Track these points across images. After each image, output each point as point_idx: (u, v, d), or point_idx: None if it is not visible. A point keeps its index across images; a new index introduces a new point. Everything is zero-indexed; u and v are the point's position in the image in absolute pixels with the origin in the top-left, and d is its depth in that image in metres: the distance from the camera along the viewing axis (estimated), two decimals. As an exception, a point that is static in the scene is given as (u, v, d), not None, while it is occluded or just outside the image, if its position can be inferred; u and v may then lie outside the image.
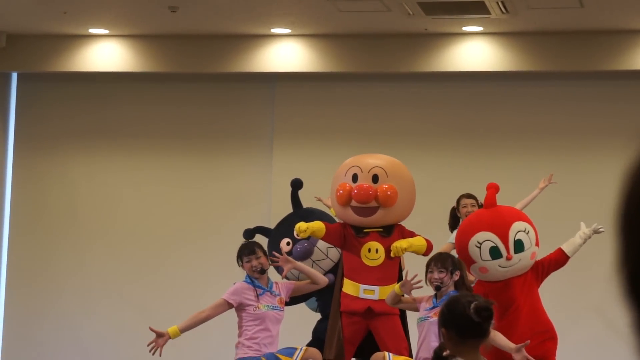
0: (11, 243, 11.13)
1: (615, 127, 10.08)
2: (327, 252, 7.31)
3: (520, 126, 10.26)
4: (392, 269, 6.80)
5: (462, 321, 3.90)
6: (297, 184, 7.61)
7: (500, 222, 6.50)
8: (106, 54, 10.52)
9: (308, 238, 7.10)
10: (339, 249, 7.18)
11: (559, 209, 9.69)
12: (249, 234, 7.52)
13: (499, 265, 6.43)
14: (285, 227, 7.40)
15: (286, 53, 10.25)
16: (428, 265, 6.23)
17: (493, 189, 6.70)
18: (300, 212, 7.53)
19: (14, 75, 11.19)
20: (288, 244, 7.33)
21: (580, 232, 6.70)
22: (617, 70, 9.78)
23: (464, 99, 10.39)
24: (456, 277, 6.16)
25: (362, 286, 6.73)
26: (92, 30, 10.33)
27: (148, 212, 10.93)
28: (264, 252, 6.74)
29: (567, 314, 9.84)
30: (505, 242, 6.42)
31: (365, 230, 6.77)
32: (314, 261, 7.27)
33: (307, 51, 10.22)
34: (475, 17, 9.33)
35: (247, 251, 6.66)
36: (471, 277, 6.90)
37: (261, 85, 10.76)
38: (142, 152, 11.00)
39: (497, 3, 8.79)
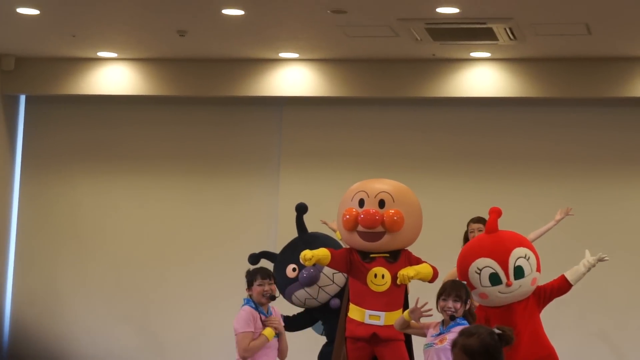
0: (17, 259, 11.16)
1: (623, 153, 10.07)
2: (334, 278, 7.30)
3: (526, 152, 10.26)
4: (398, 295, 6.78)
5: (499, 351, 3.95)
6: (301, 209, 7.60)
7: (500, 248, 6.48)
8: (114, 77, 10.56)
9: (314, 264, 7.09)
10: (344, 275, 7.16)
11: (566, 235, 9.66)
12: (254, 258, 7.50)
13: (499, 292, 6.42)
14: (291, 252, 7.39)
15: (294, 77, 10.28)
16: (441, 293, 6.16)
17: (495, 214, 6.69)
18: (305, 237, 7.52)
19: (22, 98, 11.23)
20: (294, 269, 7.32)
21: (585, 261, 6.68)
22: (624, 97, 9.78)
23: (471, 125, 10.40)
24: (468, 306, 6.12)
25: (368, 312, 6.71)
26: (101, 54, 10.37)
27: (153, 233, 10.94)
28: (276, 281, 6.68)
29: (576, 338, 9.81)
30: (505, 268, 6.41)
31: (371, 255, 6.75)
32: (320, 287, 7.26)
33: (314, 76, 10.25)
34: (483, 43, 9.35)
35: (262, 275, 6.57)
36: (474, 303, 6.88)
37: (269, 109, 10.78)
38: (149, 174, 11.02)
39: (505, 29, 8.80)
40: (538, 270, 6.54)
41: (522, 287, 6.43)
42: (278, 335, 6.57)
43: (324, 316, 7.42)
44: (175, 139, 10.96)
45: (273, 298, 6.54)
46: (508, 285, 6.39)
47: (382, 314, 6.68)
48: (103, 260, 11.00)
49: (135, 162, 11.02)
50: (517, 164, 10.29)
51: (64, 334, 10.97)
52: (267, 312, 6.56)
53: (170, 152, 10.96)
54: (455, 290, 6.11)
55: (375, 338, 6.70)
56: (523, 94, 9.92)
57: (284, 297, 7.44)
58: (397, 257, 6.78)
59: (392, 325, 6.65)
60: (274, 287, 6.55)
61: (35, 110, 11.22)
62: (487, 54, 9.77)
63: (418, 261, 6.84)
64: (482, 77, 9.96)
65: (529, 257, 6.50)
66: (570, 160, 10.18)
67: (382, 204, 6.73)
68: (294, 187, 10.45)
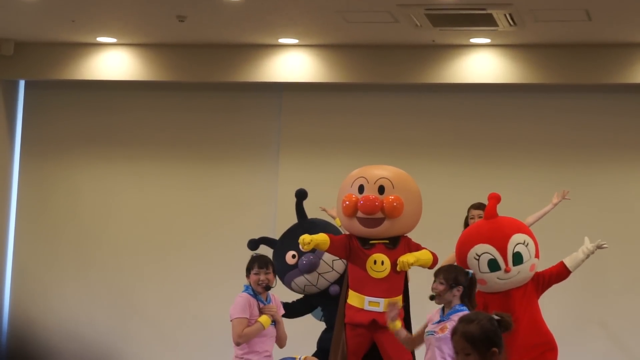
0: (16, 246, 11.17)
1: (622, 140, 10.08)
2: (333, 265, 7.31)
3: (526, 138, 10.26)
4: (398, 281, 6.79)
5: (499, 337, 3.95)
6: (301, 195, 7.60)
7: (499, 234, 6.49)
8: (114, 62, 10.54)
9: (313, 251, 7.09)
10: (343, 261, 7.17)
11: (564, 220, 9.67)
12: (254, 244, 7.50)
13: (498, 278, 6.43)
14: (290, 239, 7.39)
15: (293, 63, 10.27)
16: (435, 275, 6.21)
17: (494, 199, 6.69)
18: (305, 223, 7.52)
19: (22, 83, 11.22)
20: (294, 256, 7.33)
21: (584, 247, 6.69)
22: (624, 83, 9.77)
23: (470, 111, 10.39)
24: (457, 292, 6.11)
25: (367, 298, 6.72)
26: (100, 39, 10.36)
27: (153, 218, 10.95)
28: (274, 270, 6.68)
29: (572, 326, 9.83)
30: (503, 254, 6.42)
31: (371, 241, 6.76)
32: (319, 274, 7.27)
33: (314, 61, 10.23)
34: (482, 29, 9.34)
35: (259, 264, 6.58)
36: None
37: (268, 95, 10.77)
38: (148, 159, 11.02)
39: (505, 15, 8.79)
40: (537, 256, 6.55)
41: (521, 274, 6.45)
42: (275, 323, 6.58)
43: (323, 302, 7.43)
44: (174, 124, 10.96)
45: (268, 288, 6.54)
46: (507, 271, 6.40)
47: (381, 300, 6.68)
48: (102, 246, 11.01)
49: (135, 147, 11.01)
50: (516, 149, 10.29)
51: (64, 319, 10.98)
52: (266, 300, 6.56)
53: (170, 137, 10.95)
54: (443, 272, 6.15)
55: (374, 324, 6.71)
56: (523, 80, 9.91)
57: (283, 283, 7.45)
58: (397, 244, 6.79)
59: None
60: (271, 276, 6.54)
61: (34, 95, 11.21)
62: (486, 40, 9.76)
63: (418, 247, 6.84)
64: (482, 63, 9.95)
65: (527, 244, 6.51)
66: (570, 146, 10.18)
67: (381, 190, 6.74)
68: (293, 173, 10.45)
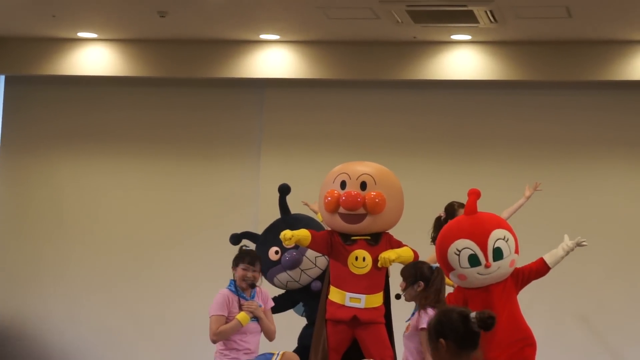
0: (-3, 245, 11.13)
1: (602, 136, 10.13)
2: (316, 261, 7.30)
3: (507, 134, 10.30)
4: (379, 278, 6.79)
5: (462, 331, 3.90)
6: (284, 190, 7.60)
7: (479, 230, 6.51)
8: (95, 57, 10.51)
9: (297, 247, 7.09)
10: (326, 257, 7.17)
11: (544, 217, 9.72)
12: (236, 239, 7.50)
13: (478, 273, 6.45)
14: (273, 234, 7.38)
15: (275, 59, 10.26)
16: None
17: (474, 195, 6.71)
18: (287, 219, 7.52)
19: (2, 78, 11.17)
20: (277, 252, 7.32)
21: (563, 244, 6.72)
22: (604, 80, 9.82)
23: (451, 107, 10.42)
24: (418, 288, 6.14)
25: (348, 294, 6.72)
26: (81, 34, 10.32)
27: (134, 215, 10.92)
28: (261, 268, 6.67)
29: (553, 321, 9.88)
30: (484, 250, 6.44)
31: (352, 237, 6.77)
32: (302, 270, 7.26)
33: (295, 57, 10.23)
34: (463, 26, 9.36)
35: (247, 259, 6.57)
36: (450, 283, 6.92)
37: (250, 91, 10.76)
38: (129, 156, 10.99)
39: (486, 12, 8.81)
40: (516, 252, 6.58)
41: (501, 269, 6.47)
42: (257, 319, 6.57)
43: (305, 298, 7.43)
44: (155, 121, 10.93)
45: (253, 286, 6.54)
46: (487, 266, 6.42)
47: (362, 296, 6.69)
48: (84, 245, 10.97)
49: (116, 144, 10.98)
50: (497, 146, 10.32)
51: (46, 320, 10.94)
52: (250, 296, 6.55)
53: (151, 134, 10.92)
54: (403, 270, 6.23)
55: (355, 321, 6.72)
56: (504, 76, 9.94)
57: (266, 279, 7.45)
58: (379, 240, 6.79)
59: (372, 307, 6.68)
60: (257, 275, 6.54)
61: (14, 90, 11.16)
62: (467, 37, 9.78)
63: (399, 244, 6.85)
64: (463, 60, 9.97)
65: (507, 239, 6.53)
66: (551, 142, 10.22)
67: (363, 186, 6.74)
68: (275, 170, 10.45)
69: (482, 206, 6.80)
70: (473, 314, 3.90)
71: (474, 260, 6.43)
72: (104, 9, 9.39)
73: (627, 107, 10.11)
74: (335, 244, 6.76)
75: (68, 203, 11.02)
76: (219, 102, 10.85)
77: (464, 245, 6.46)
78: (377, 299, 6.68)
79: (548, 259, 6.66)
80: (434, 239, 7.55)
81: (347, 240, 6.75)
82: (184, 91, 10.91)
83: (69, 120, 11.04)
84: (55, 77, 10.71)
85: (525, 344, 6.55)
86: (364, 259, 6.71)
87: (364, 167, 6.87)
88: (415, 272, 6.18)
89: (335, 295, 6.76)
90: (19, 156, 11.10)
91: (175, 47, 10.37)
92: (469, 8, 8.70)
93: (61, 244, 10.99)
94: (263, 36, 10.08)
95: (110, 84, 10.94)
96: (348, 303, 6.70)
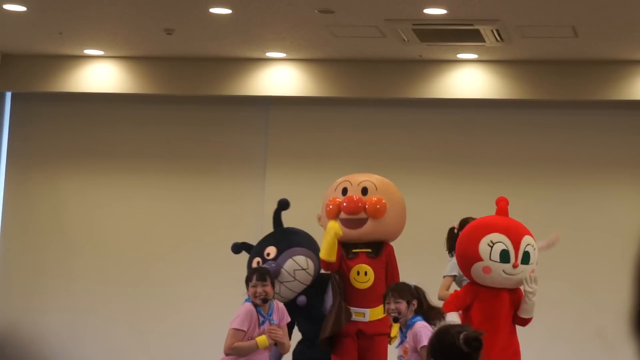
0: (2, 258, 11.12)
1: (607, 156, 10.11)
2: (295, 274, 7.23)
3: (512, 153, 10.29)
4: (382, 289, 6.76)
5: (453, 352, 3.88)
6: (283, 205, 7.61)
7: (514, 230, 6.55)
8: (101, 75, 10.53)
9: (276, 259, 7.10)
10: (309, 272, 7.14)
11: (545, 237, 9.68)
12: (237, 248, 7.54)
13: (503, 270, 6.43)
14: (259, 246, 7.41)
15: (281, 77, 10.27)
16: (385, 296, 6.17)
17: (504, 201, 6.75)
18: (280, 231, 7.53)
19: (8, 95, 11.20)
20: (258, 263, 7.33)
21: (525, 296, 6.58)
22: (610, 100, 9.82)
23: (457, 126, 10.41)
24: (414, 307, 6.11)
25: (353, 309, 6.73)
26: (87, 51, 10.35)
27: (138, 231, 10.92)
28: (273, 282, 6.65)
29: (569, 338, 9.84)
30: (516, 249, 6.46)
31: (354, 250, 6.76)
32: (281, 282, 7.21)
33: (301, 75, 10.24)
34: (469, 45, 9.37)
35: (257, 276, 6.56)
36: (443, 294, 6.89)
37: (255, 109, 10.77)
38: (135, 173, 11.00)
39: (492, 31, 8.82)
40: (536, 263, 6.61)
41: (522, 274, 6.48)
42: (275, 344, 6.55)
43: (293, 314, 7.42)
44: (161, 138, 10.94)
45: (266, 300, 6.52)
46: (514, 266, 6.43)
47: (366, 310, 6.70)
48: (88, 259, 10.97)
49: (122, 160, 10.99)
50: (502, 165, 10.30)
51: (48, 333, 10.93)
52: (269, 310, 6.54)
53: (156, 151, 10.93)
54: (397, 291, 6.11)
55: (360, 334, 6.73)
56: (509, 95, 9.94)
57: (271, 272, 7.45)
58: (379, 252, 6.77)
59: (376, 320, 6.67)
60: (269, 288, 6.51)
61: (21, 107, 11.18)
62: (473, 56, 9.79)
63: (395, 269, 6.79)
64: (469, 79, 9.98)
65: (535, 248, 6.58)
66: (556, 162, 10.21)
67: (365, 191, 6.76)
68: (279, 187, 10.44)
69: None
70: (462, 334, 3.89)
71: (504, 256, 6.43)
72: (110, 27, 9.41)
73: (632, 127, 10.10)
74: (339, 258, 6.76)
75: (72, 218, 11.02)
76: (225, 119, 10.86)
77: (499, 239, 6.46)
78: (381, 311, 6.67)
79: (523, 314, 6.58)
80: (450, 249, 7.48)
81: (348, 254, 6.75)
82: (190, 108, 10.92)
83: (74, 136, 11.06)
84: (61, 94, 10.73)
85: (518, 357, 6.58)
86: (365, 274, 6.71)
87: (365, 176, 6.93)
88: (410, 291, 6.13)
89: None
90: (24, 171, 11.11)
91: (182, 64, 10.39)
92: (475, 27, 8.71)
93: (65, 258, 10.98)
94: (269, 54, 10.10)
95: (116, 101, 10.96)
96: (352, 317, 6.71)
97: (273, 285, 6.58)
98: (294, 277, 7.18)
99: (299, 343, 7.43)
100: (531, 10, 8.18)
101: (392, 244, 6.97)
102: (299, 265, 7.10)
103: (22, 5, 8.66)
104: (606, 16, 8.27)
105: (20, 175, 11.13)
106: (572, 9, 8.12)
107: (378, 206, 6.68)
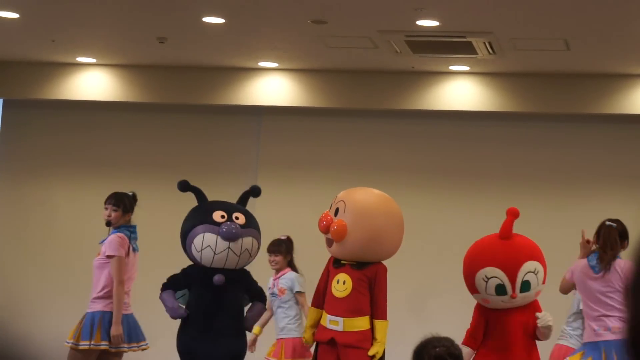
0: (-9, 268, 11.10)
1: (599, 169, 10.12)
2: (243, 252, 7.20)
3: (504, 166, 10.30)
4: (360, 301, 6.67)
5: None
6: (255, 192, 7.71)
7: (511, 261, 6.37)
8: (93, 82, 10.53)
9: (242, 228, 7.13)
10: (250, 259, 7.18)
11: (544, 248, 9.68)
12: (185, 186, 7.60)
13: (502, 301, 6.38)
14: (227, 205, 7.41)
15: (273, 87, 10.28)
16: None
17: (512, 215, 6.52)
18: (245, 209, 7.59)
19: (0, 102, 11.18)
20: (222, 217, 7.34)
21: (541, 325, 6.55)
22: (602, 113, 9.83)
23: (449, 138, 10.42)
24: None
25: (329, 317, 6.73)
26: (80, 59, 10.34)
27: (130, 242, 10.89)
28: (124, 207, 6.83)
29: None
30: (512, 281, 6.31)
31: (342, 262, 6.77)
32: (230, 249, 7.20)
33: (294, 86, 10.25)
34: (462, 57, 9.38)
35: (107, 200, 6.78)
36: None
37: (247, 118, 10.77)
38: (126, 180, 10.97)
39: (484, 44, 8.84)
40: (544, 282, 6.49)
41: (526, 299, 6.41)
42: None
43: (199, 286, 7.40)
44: (153, 146, 10.93)
45: (108, 224, 6.72)
46: (512, 297, 6.34)
47: (340, 319, 6.65)
48: (79, 266, 10.95)
49: (113, 168, 10.98)
50: (494, 177, 10.31)
51: (37, 342, 10.90)
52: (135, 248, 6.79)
53: (148, 159, 10.92)
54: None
55: (334, 343, 6.69)
56: (501, 108, 9.95)
57: (195, 231, 7.45)
58: (363, 267, 6.73)
59: (351, 331, 6.62)
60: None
61: (12, 114, 11.17)
62: (466, 68, 9.81)
63: (381, 291, 6.73)
64: (461, 91, 9.99)
65: (537, 272, 6.39)
66: (548, 174, 10.22)
67: (336, 211, 6.73)
68: (271, 197, 10.42)
69: (480, 236, 6.76)
70: (434, 352, 3.92)
71: (500, 290, 6.33)
72: (103, 34, 9.41)
73: (624, 140, 10.12)
74: (328, 267, 6.81)
75: (63, 225, 11.00)
76: (217, 128, 10.86)
77: (493, 274, 6.32)
78: (358, 323, 6.60)
79: (541, 338, 6.53)
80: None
81: (335, 263, 6.77)
82: (182, 117, 10.92)
83: (66, 143, 11.05)
84: (53, 101, 10.72)
85: None
86: (344, 282, 6.70)
87: (346, 194, 6.80)
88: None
89: (323, 316, 6.79)
90: (16, 178, 11.09)
91: (174, 73, 10.39)
92: (468, 39, 8.72)
93: (56, 265, 10.96)
94: (262, 64, 10.10)
95: (108, 109, 10.95)
96: (328, 325, 6.72)
97: (123, 211, 6.76)
98: (240, 253, 7.14)
99: (181, 329, 7.43)
100: (523, 23, 8.20)
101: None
102: (251, 248, 7.10)
103: (15, 12, 8.66)
104: (598, 30, 8.29)
105: (12, 182, 11.11)
106: (565, 23, 8.14)
107: (334, 228, 6.60)
